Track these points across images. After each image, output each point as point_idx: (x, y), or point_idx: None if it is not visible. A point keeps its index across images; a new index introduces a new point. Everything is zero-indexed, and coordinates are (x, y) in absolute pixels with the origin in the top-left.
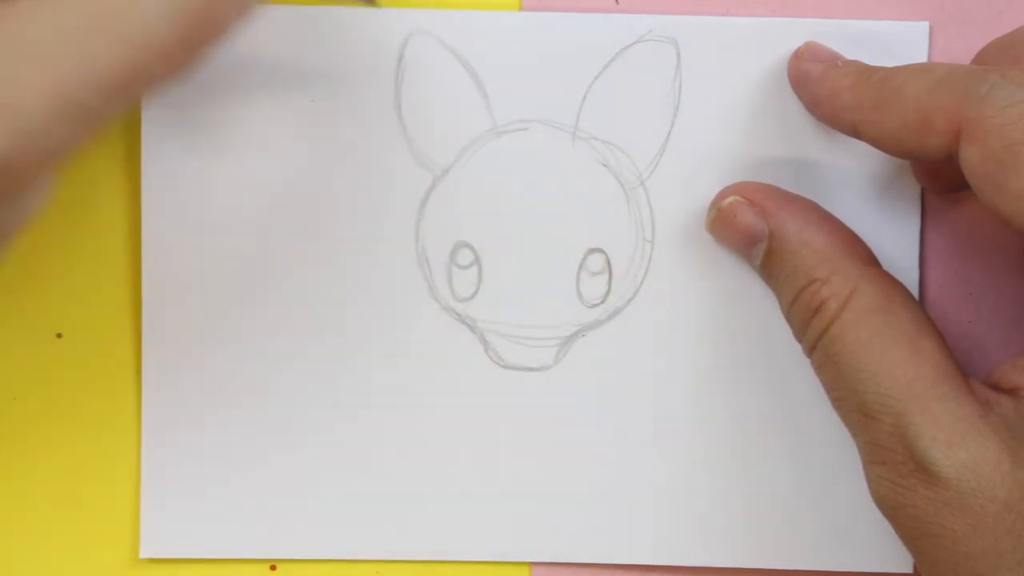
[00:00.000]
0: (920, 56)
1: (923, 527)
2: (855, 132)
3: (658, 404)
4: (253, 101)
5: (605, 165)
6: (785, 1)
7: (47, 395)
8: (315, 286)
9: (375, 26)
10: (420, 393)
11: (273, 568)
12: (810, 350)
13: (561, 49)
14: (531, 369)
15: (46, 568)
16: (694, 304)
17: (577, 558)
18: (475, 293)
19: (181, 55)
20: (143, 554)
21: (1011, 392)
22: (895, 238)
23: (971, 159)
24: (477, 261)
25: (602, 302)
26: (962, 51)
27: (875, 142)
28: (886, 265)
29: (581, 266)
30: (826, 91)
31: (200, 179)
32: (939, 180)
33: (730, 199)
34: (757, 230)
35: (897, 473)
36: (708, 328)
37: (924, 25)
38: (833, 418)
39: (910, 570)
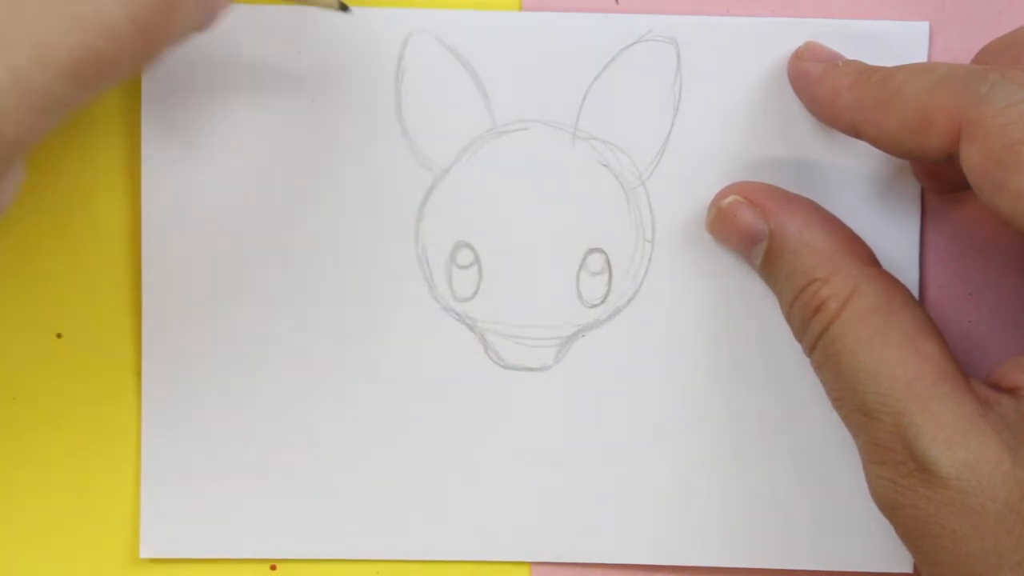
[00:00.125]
0: (920, 56)
1: (923, 527)
2: (855, 132)
3: (658, 404)
4: (253, 101)
5: (605, 165)
6: (785, 1)
7: (47, 395)
8: (315, 286)
9: (375, 26)
10: (420, 393)
11: (273, 568)
12: (810, 350)
13: (561, 49)
14: (531, 369)
15: (46, 568)
16: (694, 304)
17: (577, 558)
18: (475, 293)
19: (138, 41)
20: (143, 554)
21: (1011, 392)
22: (895, 238)
23: (971, 159)
24: (477, 261)
25: (602, 302)
26: (962, 51)
27: (875, 142)
28: (886, 265)
29: (581, 266)
30: (826, 91)
31: (200, 179)
32: (939, 180)
33: (730, 199)
34: (757, 230)
35: (897, 473)
36: (708, 328)
37: (924, 25)
38: (833, 418)
39: (910, 570)
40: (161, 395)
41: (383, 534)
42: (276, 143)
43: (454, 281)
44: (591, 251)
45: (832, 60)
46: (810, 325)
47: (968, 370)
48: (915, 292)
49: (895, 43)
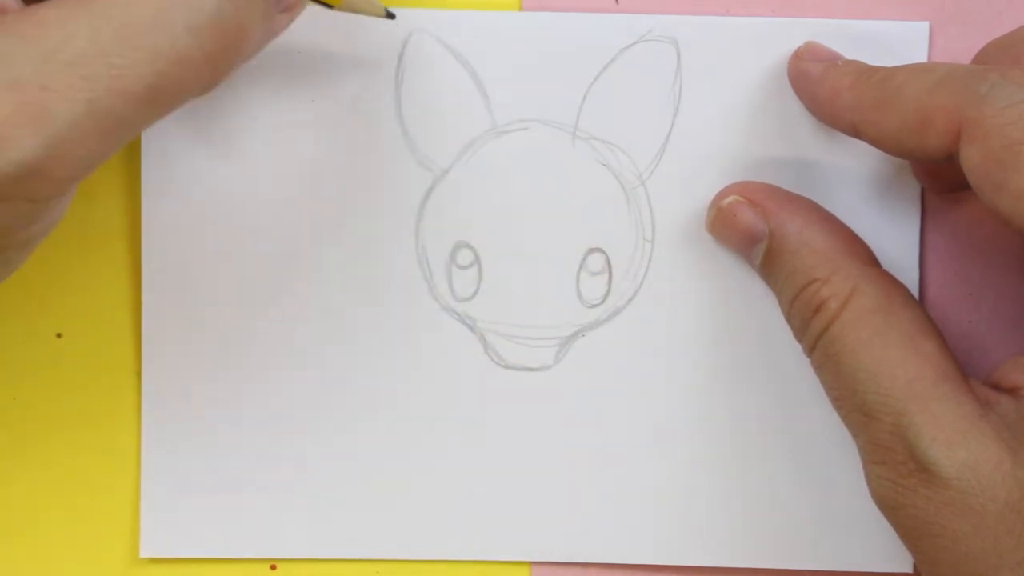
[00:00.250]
0: (920, 56)
1: (923, 527)
2: (855, 132)
3: (658, 404)
4: (253, 101)
5: (605, 165)
6: (785, 1)
7: (47, 395)
8: (315, 286)
9: (375, 26)
10: (420, 393)
11: (273, 568)
12: (810, 350)
13: (561, 49)
14: (531, 369)
15: (46, 568)
16: (694, 304)
17: (577, 558)
18: (475, 293)
19: (208, 69)
20: (143, 554)
21: (1011, 392)
22: (895, 238)
23: (971, 159)
24: (477, 261)
25: (602, 302)
26: (962, 51)
27: (875, 142)
28: (886, 265)
29: (581, 266)
30: (826, 91)
31: (200, 179)
32: (939, 180)
33: (730, 199)
34: (757, 230)
35: (897, 473)
36: (708, 328)
37: (924, 25)
38: (833, 418)
39: (910, 570)
40: (161, 395)
41: (383, 534)
42: (276, 143)
43: (454, 281)
44: (591, 251)
45: (832, 60)
46: (810, 325)
47: (968, 370)
48: (915, 292)
49: (895, 43)
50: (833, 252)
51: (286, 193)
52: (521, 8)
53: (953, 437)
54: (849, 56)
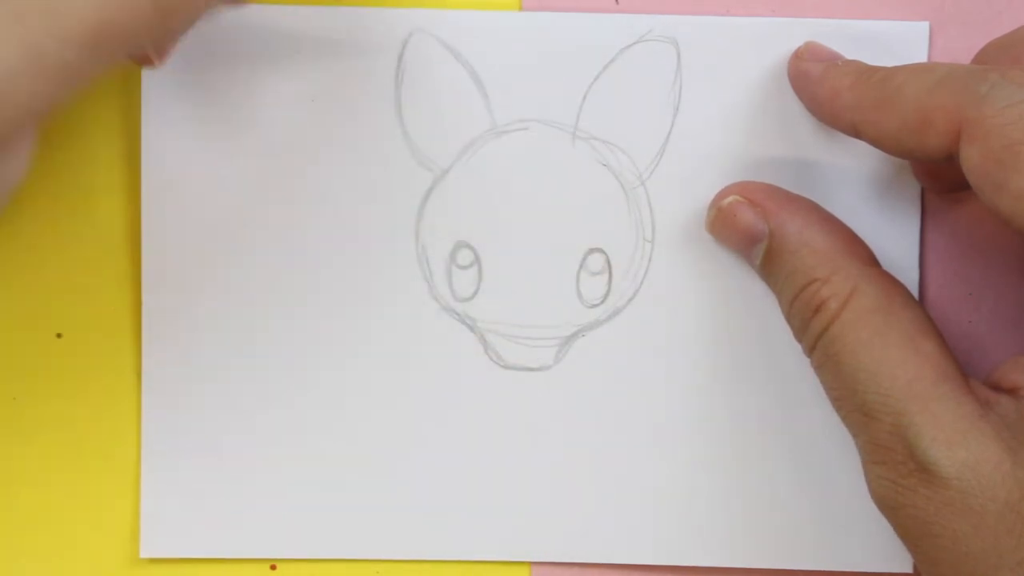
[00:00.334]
0: (920, 56)
1: (923, 527)
2: (855, 132)
3: (658, 404)
4: (253, 101)
5: (605, 165)
6: (785, 1)
7: (47, 395)
8: (315, 286)
9: (375, 26)
10: (420, 393)
11: (273, 568)
12: (810, 350)
13: (561, 49)
14: (531, 369)
15: (46, 568)
16: (694, 304)
17: (577, 558)
18: (475, 293)
19: (158, 19)
20: (143, 554)
21: (1011, 392)
22: (895, 238)
23: (971, 159)
24: (477, 261)
25: (602, 302)
26: (962, 51)
27: (875, 142)
28: (886, 265)
29: (581, 266)
30: (826, 91)
31: (200, 178)
32: (939, 180)
33: (730, 199)
34: (757, 230)
35: (897, 473)
36: (708, 328)
37: (924, 25)
38: (833, 418)
39: (910, 570)
40: (161, 395)
41: (383, 534)
42: (276, 143)
43: (454, 281)
44: (591, 251)
45: (832, 60)
46: (810, 325)
47: (968, 370)
48: (915, 292)
49: (895, 43)
50: (833, 252)
51: (286, 193)
52: (521, 8)
53: (953, 437)
54: (849, 56)
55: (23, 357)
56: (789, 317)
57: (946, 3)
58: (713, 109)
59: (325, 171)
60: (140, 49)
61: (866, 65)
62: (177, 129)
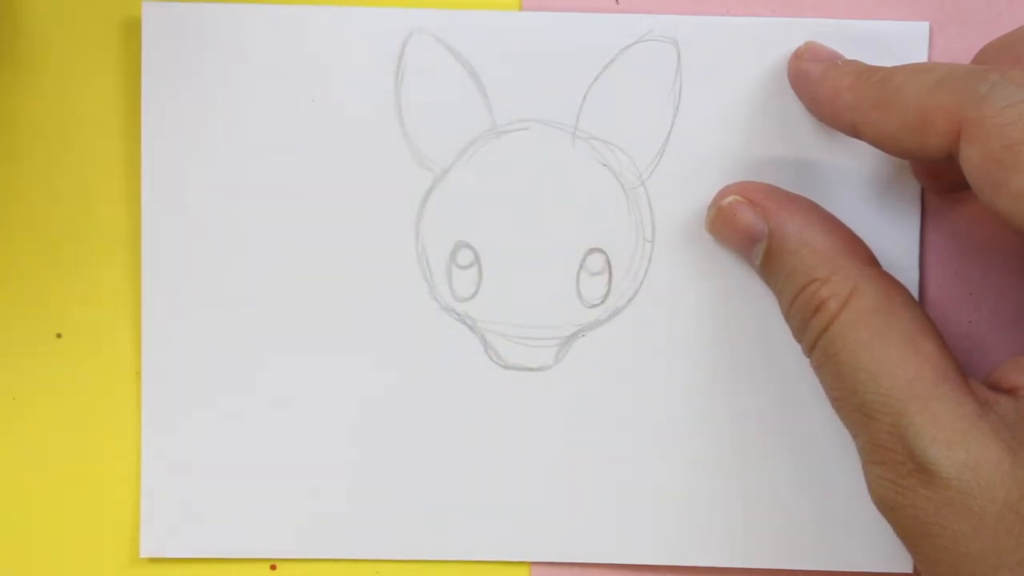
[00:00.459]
0: (920, 56)
1: (923, 527)
2: (855, 132)
3: (658, 404)
4: (253, 101)
5: (605, 165)
6: (785, 1)
7: (47, 395)
8: (315, 286)
9: (375, 26)
10: (420, 393)
11: (273, 568)
12: (810, 350)
13: (561, 49)
14: (531, 369)
15: (46, 568)
16: (694, 304)
17: (577, 558)
18: (475, 293)
19: None
20: (143, 554)
21: (1011, 392)
22: (895, 238)
23: (971, 159)
24: (477, 261)
25: (602, 302)
26: (962, 51)
27: (875, 142)
28: (886, 265)
29: (581, 266)
30: (826, 91)
31: (200, 179)
32: (939, 180)
33: (730, 199)
34: (757, 230)
35: (897, 473)
36: (708, 328)
37: (924, 25)
38: (833, 418)
39: (910, 570)
40: (161, 395)
41: (383, 534)
42: (276, 143)
43: (454, 281)
44: (591, 251)
45: (832, 60)
46: (810, 325)
47: (968, 370)
48: (915, 292)
49: (895, 43)
50: (833, 252)
51: (286, 193)
52: (521, 8)
53: (953, 437)
54: (849, 56)
55: (23, 357)
56: (789, 317)
57: (946, 3)
58: (713, 109)
59: (325, 171)
60: None
61: (866, 65)
62: (177, 129)
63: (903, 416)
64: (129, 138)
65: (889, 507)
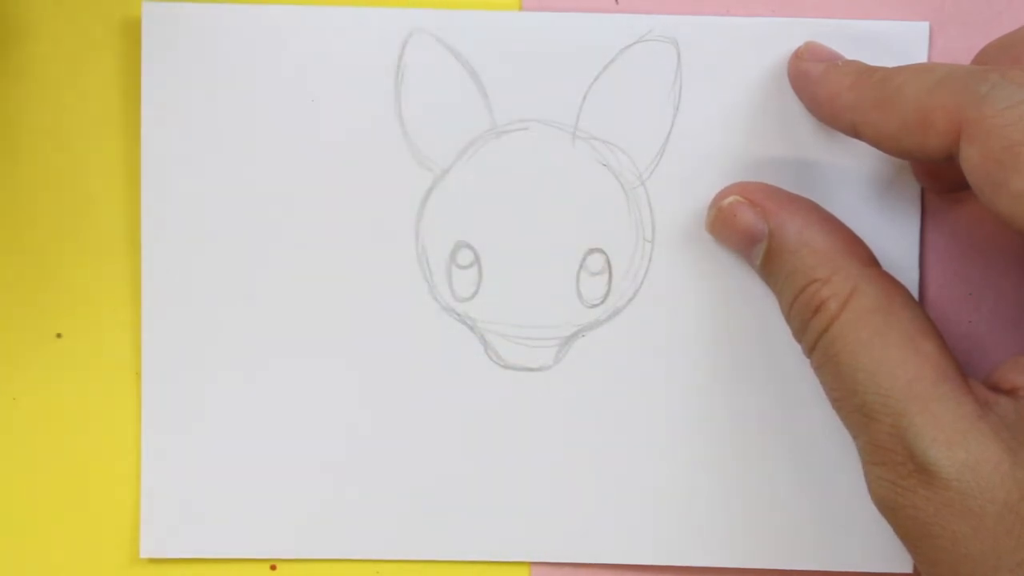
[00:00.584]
0: (920, 56)
1: (923, 528)
2: (855, 132)
3: (658, 404)
4: (253, 101)
5: (605, 165)
6: (785, 1)
7: (47, 395)
8: (315, 286)
9: (375, 26)
10: (420, 393)
11: (273, 568)
12: (810, 350)
13: (561, 49)
14: (531, 369)
15: (46, 568)
16: (694, 304)
17: (577, 558)
18: (475, 293)
19: None
20: (143, 554)
21: (1010, 392)
22: (895, 238)
23: (971, 159)
24: (477, 261)
25: (602, 302)
26: (962, 51)
27: (875, 142)
28: (886, 265)
29: (581, 266)
30: (826, 91)
31: (200, 179)
32: (939, 180)
33: (730, 199)
34: (757, 230)
35: (897, 474)
36: (708, 328)
37: (924, 25)
38: (833, 418)
39: (910, 570)
40: (161, 395)
41: (383, 534)
42: (276, 143)
43: (454, 281)
44: (591, 251)
45: (832, 60)
46: (810, 325)
47: (968, 370)
48: (915, 292)
49: (895, 43)
50: (833, 252)
51: (286, 193)
52: (521, 8)
53: (953, 438)
54: (849, 56)
55: (23, 357)
56: (789, 317)
57: (946, 3)
58: (713, 109)
59: (325, 171)
60: None
61: (866, 65)
62: (177, 129)
63: (903, 416)
64: (129, 138)
65: (889, 508)
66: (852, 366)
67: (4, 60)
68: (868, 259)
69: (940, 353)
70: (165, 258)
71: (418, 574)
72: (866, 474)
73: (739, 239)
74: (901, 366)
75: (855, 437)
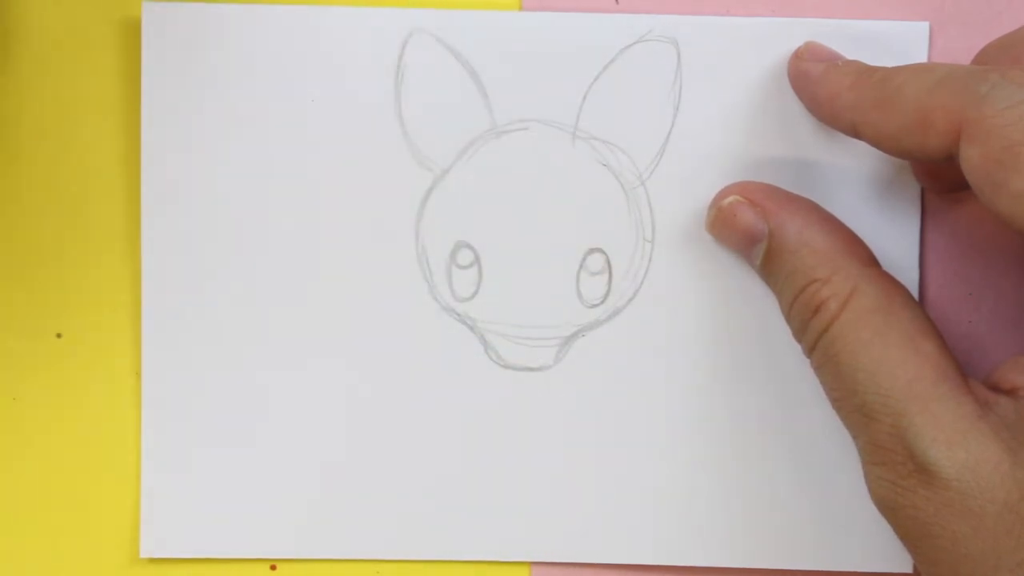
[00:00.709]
0: (920, 56)
1: (923, 528)
2: (855, 132)
3: (658, 404)
4: (253, 101)
5: (605, 165)
6: (785, 1)
7: (47, 395)
8: (315, 286)
9: (375, 26)
10: (420, 393)
11: (273, 568)
12: (810, 350)
13: (561, 49)
14: (531, 369)
15: (46, 568)
16: (694, 304)
17: (577, 558)
18: (475, 293)
19: None
20: (143, 554)
21: (1010, 392)
22: (895, 238)
23: (971, 159)
24: (477, 261)
25: (602, 302)
26: (962, 51)
27: (875, 142)
28: (886, 265)
29: (581, 266)
30: (826, 91)
31: (200, 179)
32: (939, 180)
33: (730, 199)
34: (757, 230)
35: (897, 474)
36: (708, 328)
37: (924, 25)
38: (833, 418)
39: (910, 570)
40: (161, 395)
41: (383, 534)
42: (276, 143)
43: (454, 281)
44: (591, 251)
45: (832, 60)
46: (810, 325)
47: (968, 370)
48: (915, 292)
49: (895, 43)
50: (833, 252)
51: (286, 193)
52: (521, 8)
53: (953, 438)
54: (849, 56)
55: (23, 357)
56: (789, 317)
57: (946, 3)
58: (713, 109)
59: (325, 171)
60: None
61: (866, 65)
62: (177, 129)
63: (903, 417)
64: (129, 138)
65: (889, 508)
66: (852, 366)
67: (4, 60)
68: (868, 259)
69: (940, 353)
70: (165, 258)
71: (418, 574)
72: (866, 474)
73: (739, 239)
74: (901, 366)
75: (855, 437)
